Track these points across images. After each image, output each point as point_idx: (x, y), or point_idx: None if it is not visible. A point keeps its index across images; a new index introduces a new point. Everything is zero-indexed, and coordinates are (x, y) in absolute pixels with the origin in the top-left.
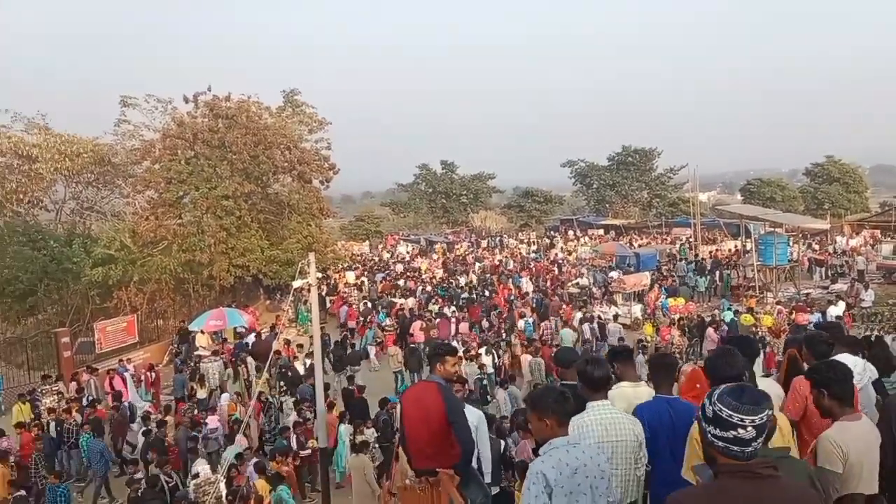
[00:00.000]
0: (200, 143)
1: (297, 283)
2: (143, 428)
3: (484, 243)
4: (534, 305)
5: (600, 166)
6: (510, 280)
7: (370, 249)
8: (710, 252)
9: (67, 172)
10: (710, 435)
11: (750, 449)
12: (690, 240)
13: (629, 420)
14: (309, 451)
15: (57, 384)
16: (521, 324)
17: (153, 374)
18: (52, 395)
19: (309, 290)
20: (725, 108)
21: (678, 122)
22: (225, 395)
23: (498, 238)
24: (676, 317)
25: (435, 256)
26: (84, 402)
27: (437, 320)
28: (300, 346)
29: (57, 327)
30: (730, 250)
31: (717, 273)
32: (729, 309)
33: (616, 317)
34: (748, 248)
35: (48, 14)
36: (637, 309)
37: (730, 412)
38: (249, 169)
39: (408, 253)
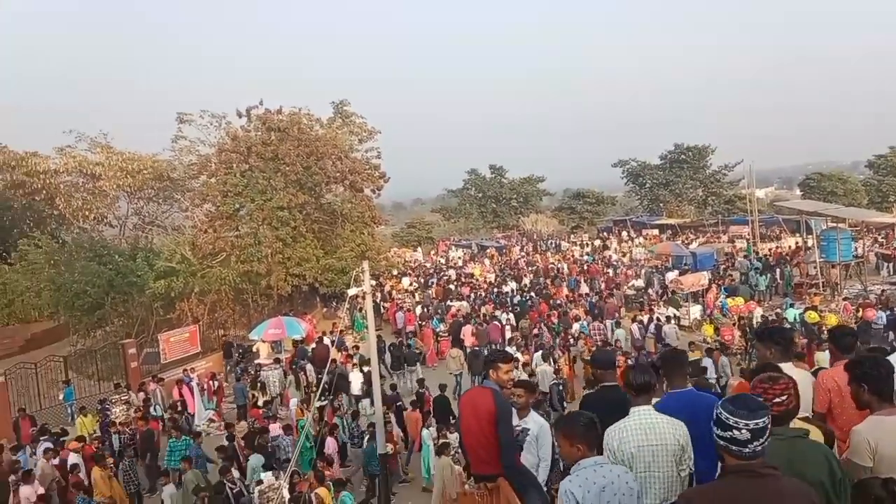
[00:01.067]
0: (254, 157)
1: (352, 291)
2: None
3: (535, 247)
4: (588, 308)
5: (652, 165)
6: (564, 283)
7: (423, 256)
8: (770, 250)
9: (129, 189)
10: (715, 435)
11: (747, 450)
12: (748, 237)
13: (670, 424)
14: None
15: (128, 393)
16: (575, 327)
17: (215, 383)
18: (121, 405)
19: (364, 298)
20: (782, 100)
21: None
22: (293, 401)
23: (551, 241)
24: (736, 317)
25: (487, 262)
26: (151, 410)
27: (489, 324)
28: (355, 348)
29: (123, 339)
30: (789, 247)
31: (778, 271)
32: (791, 307)
33: (669, 319)
34: (810, 244)
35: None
36: (696, 310)
37: (727, 415)
38: (302, 180)
39: (460, 258)
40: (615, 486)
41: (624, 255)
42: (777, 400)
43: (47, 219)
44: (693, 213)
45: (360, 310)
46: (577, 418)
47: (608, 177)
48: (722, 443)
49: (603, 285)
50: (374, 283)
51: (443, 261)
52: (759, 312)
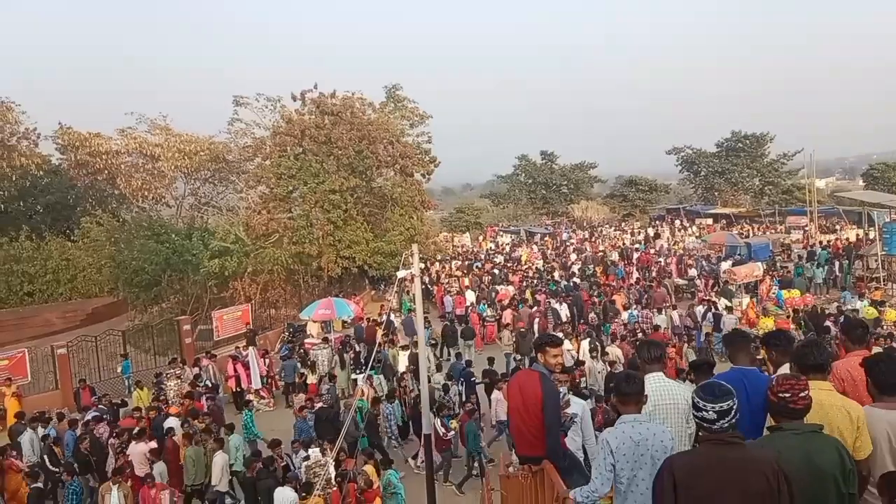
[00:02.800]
0: (308, 140)
1: (401, 274)
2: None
3: (583, 234)
4: (637, 296)
5: (708, 153)
6: (614, 271)
7: (471, 241)
8: (829, 242)
9: (186, 170)
10: (693, 414)
11: (715, 426)
12: (807, 229)
13: (680, 388)
14: (453, 433)
15: (183, 368)
16: (624, 315)
17: (266, 361)
18: (174, 379)
19: (412, 281)
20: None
21: (793, 104)
22: (360, 378)
23: (601, 228)
24: (791, 310)
25: (535, 248)
26: (203, 385)
27: (534, 309)
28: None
29: (179, 315)
30: (847, 240)
31: (837, 264)
32: (852, 300)
33: (731, 309)
34: (871, 236)
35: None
36: (747, 301)
37: (698, 400)
38: (354, 164)
39: (507, 244)
40: (649, 443)
41: (676, 245)
42: (802, 395)
43: (109, 198)
44: (749, 203)
45: (408, 293)
46: (625, 380)
47: (662, 164)
48: (697, 420)
49: (654, 274)
50: (422, 266)
51: (492, 246)
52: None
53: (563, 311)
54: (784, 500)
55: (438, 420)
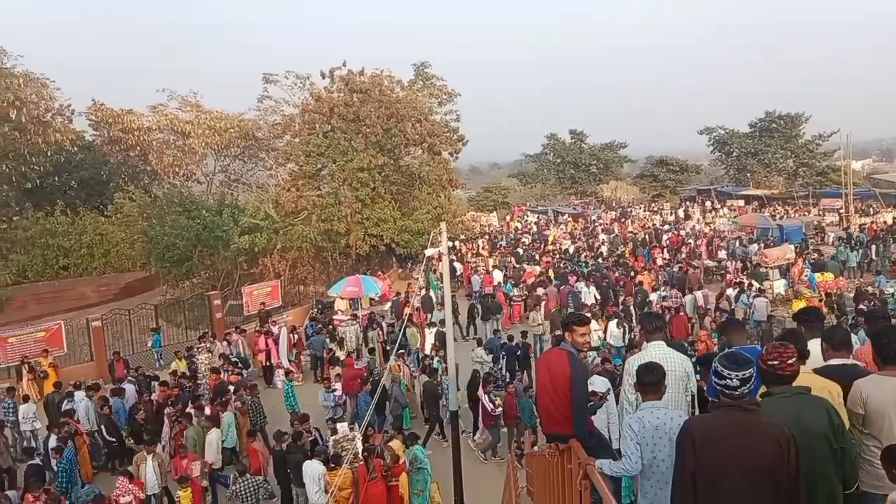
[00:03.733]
0: (336, 118)
1: (429, 252)
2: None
3: (613, 215)
4: (668, 278)
5: (741, 133)
6: (642, 252)
7: (498, 221)
8: (865, 225)
9: (217, 147)
10: (713, 382)
11: (737, 393)
12: (841, 211)
13: (678, 356)
14: (500, 409)
15: (214, 342)
16: (653, 297)
17: (295, 336)
18: (205, 353)
19: (440, 260)
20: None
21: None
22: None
23: (630, 209)
24: (823, 293)
25: (563, 228)
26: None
27: (562, 288)
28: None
29: (209, 291)
30: (884, 223)
31: (874, 248)
32: (886, 284)
33: (762, 291)
34: None
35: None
36: (780, 284)
37: (722, 368)
38: (382, 142)
39: (534, 223)
40: (667, 427)
41: (706, 226)
42: (790, 362)
43: (141, 174)
44: (782, 185)
45: (435, 271)
46: (645, 370)
47: (693, 144)
48: (718, 387)
49: (683, 256)
50: (450, 245)
51: (519, 226)
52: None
53: (591, 293)
54: (792, 463)
55: (486, 396)
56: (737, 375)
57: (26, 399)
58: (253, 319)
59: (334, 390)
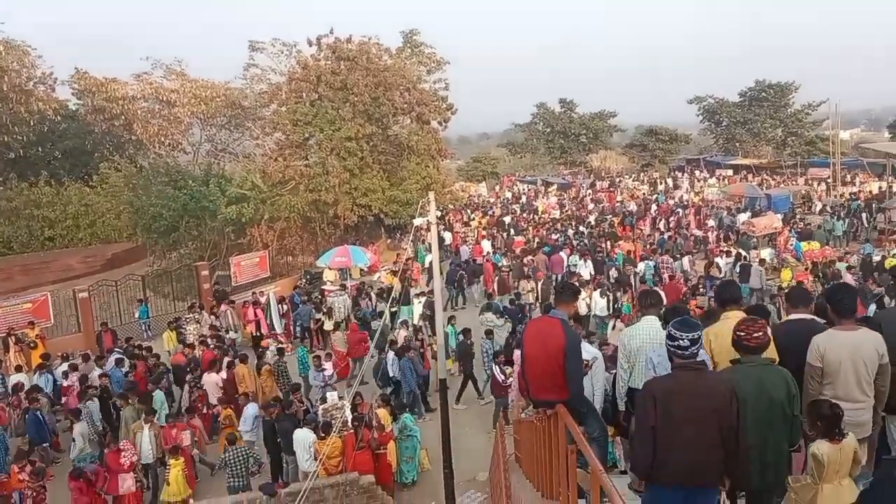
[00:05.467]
0: (324, 86)
1: (418, 221)
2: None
3: (602, 184)
4: (657, 246)
5: (731, 103)
6: (631, 221)
7: (487, 191)
8: (851, 194)
9: (203, 116)
10: (667, 344)
11: (687, 353)
12: (828, 181)
13: (660, 331)
14: (512, 379)
15: (200, 313)
16: (640, 266)
17: (284, 307)
18: (193, 324)
19: (428, 229)
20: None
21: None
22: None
23: (619, 178)
24: (810, 262)
25: (553, 199)
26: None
27: (552, 258)
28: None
29: (197, 261)
30: (870, 192)
31: (864, 215)
32: (871, 254)
33: (763, 261)
34: (895, 189)
35: None
36: (766, 253)
37: (674, 331)
38: (370, 111)
39: (523, 194)
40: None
41: (696, 196)
42: (755, 335)
43: (126, 144)
44: (770, 154)
45: (424, 241)
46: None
47: (683, 114)
48: (671, 349)
49: (672, 224)
50: (438, 214)
51: (509, 195)
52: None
53: (588, 268)
54: (734, 413)
55: (497, 367)
56: (688, 336)
57: (18, 369)
58: (241, 290)
59: (324, 370)
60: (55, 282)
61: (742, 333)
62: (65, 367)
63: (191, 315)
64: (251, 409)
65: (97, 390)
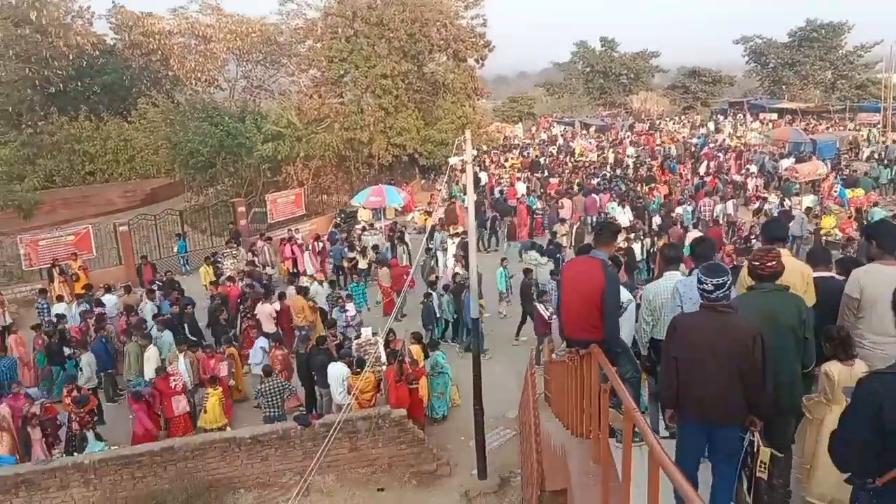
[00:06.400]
0: (360, 21)
1: (453, 160)
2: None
3: (641, 126)
4: (693, 193)
5: (779, 43)
6: (670, 165)
7: (523, 132)
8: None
9: (238, 52)
10: (697, 286)
11: (712, 296)
12: (878, 126)
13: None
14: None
15: (239, 249)
16: (679, 210)
17: (319, 244)
18: (230, 259)
19: (463, 170)
20: None
21: None
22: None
23: (659, 121)
24: (853, 209)
25: (591, 141)
26: (259, 266)
27: (587, 200)
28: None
29: (233, 198)
30: None
31: None
32: None
33: (810, 210)
34: None
35: None
36: (809, 200)
37: (701, 275)
38: (406, 47)
39: (561, 135)
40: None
41: (738, 140)
42: (769, 263)
43: (163, 79)
44: (818, 98)
45: (458, 182)
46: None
47: (728, 55)
48: (699, 290)
49: (712, 168)
50: (474, 154)
51: (545, 137)
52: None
53: (626, 214)
54: (758, 356)
55: (542, 305)
56: (712, 281)
57: (60, 299)
58: (276, 227)
59: (346, 310)
60: (96, 215)
61: (756, 262)
62: (107, 297)
63: (228, 250)
64: (260, 342)
65: (143, 323)
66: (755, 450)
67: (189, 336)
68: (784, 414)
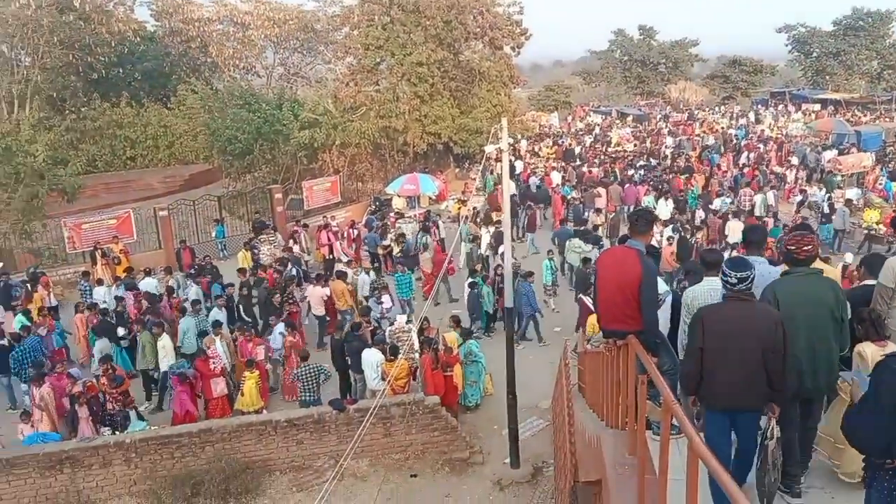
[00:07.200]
0: (396, 8)
1: (489, 148)
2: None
3: (679, 116)
4: (731, 184)
5: (823, 32)
6: (708, 156)
7: (558, 121)
8: None
9: (276, 39)
10: (721, 278)
11: (735, 288)
12: None
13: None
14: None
15: (276, 235)
16: (716, 203)
17: (355, 231)
18: (267, 244)
19: (498, 159)
20: None
21: None
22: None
23: (698, 111)
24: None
25: (627, 130)
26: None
27: (626, 186)
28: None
29: (270, 184)
30: None
31: None
32: None
33: (850, 202)
34: None
35: None
36: (852, 193)
37: (725, 268)
38: (442, 35)
39: (597, 125)
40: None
41: (778, 130)
42: (805, 248)
43: (201, 66)
44: (863, 89)
45: (492, 172)
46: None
47: (770, 44)
48: (723, 281)
49: (752, 160)
50: (511, 142)
51: (581, 126)
52: None
53: (668, 208)
54: (779, 341)
55: (587, 296)
56: (736, 275)
57: (100, 282)
58: (312, 214)
59: (382, 303)
60: (137, 200)
61: (792, 247)
62: (149, 280)
63: (265, 236)
64: (279, 328)
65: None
66: (768, 432)
67: (243, 317)
68: (822, 393)
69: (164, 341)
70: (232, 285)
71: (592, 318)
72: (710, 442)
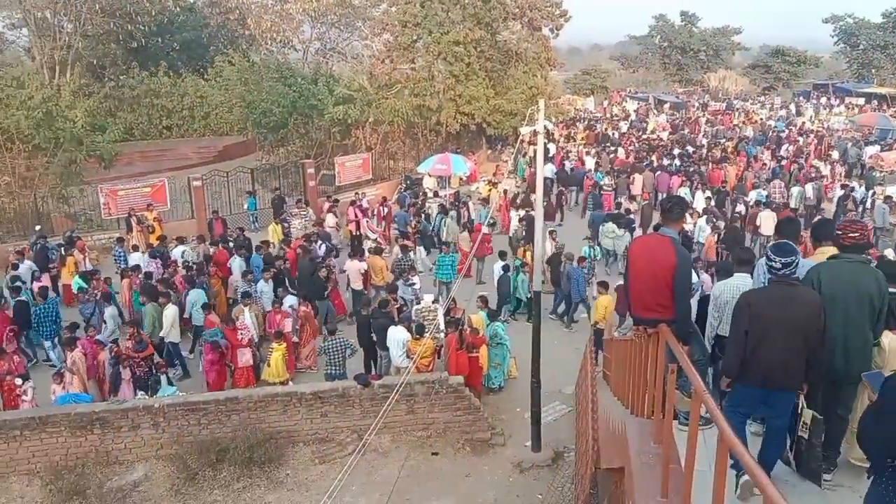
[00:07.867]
0: None
1: (524, 130)
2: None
3: (718, 105)
4: (770, 177)
5: (872, 24)
6: (745, 147)
7: (594, 106)
8: None
9: (314, 13)
10: (766, 263)
11: (779, 273)
12: None
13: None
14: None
15: (307, 209)
16: (752, 195)
17: (385, 209)
18: (299, 218)
19: (531, 142)
20: None
21: None
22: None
23: (737, 101)
24: None
25: (664, 117)
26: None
27: (657, 174)
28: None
29: (303, 159)
30: None
31: None
32: None
33: (890, 198)
34: None
35: None
36: (893, 190)
37: (770, 254)
38: (480, 14)
39: (633, 111)
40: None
41: (820, 124)
42: (851, 234)
43: (239, 38)
44: None
45: (525, 155)
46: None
47: (816, 34)
48: (767, 266)
49: (791, 152)
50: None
51: (616, 111)
52: None
53: (702, 201)
54: (820, 325)
55: None
56: (780, 260)
57: (135, 248)
58: (344, 190)
59: (413, 283)
60: (171, 169)
61: (840, 232)
62: (181, 248)
63: (297, 210)
64: (289, 300)
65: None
66: (799, 411)
67: (289, 289)
68: (853, 380)
69: (169, 311)
70: (280, 257)
71: (603, 301)
72: (731, 408)
